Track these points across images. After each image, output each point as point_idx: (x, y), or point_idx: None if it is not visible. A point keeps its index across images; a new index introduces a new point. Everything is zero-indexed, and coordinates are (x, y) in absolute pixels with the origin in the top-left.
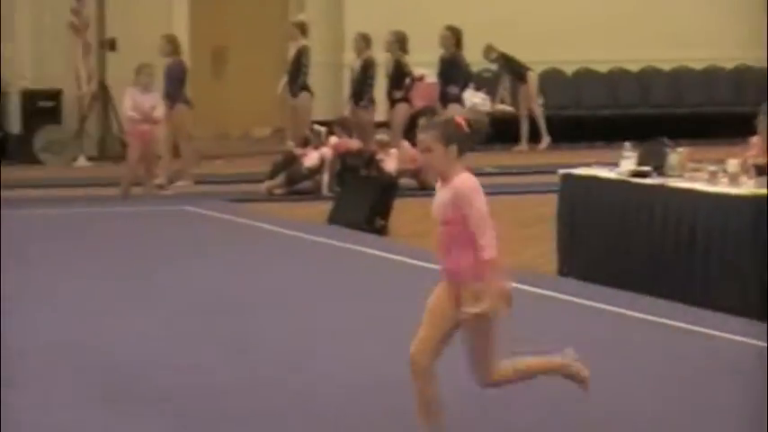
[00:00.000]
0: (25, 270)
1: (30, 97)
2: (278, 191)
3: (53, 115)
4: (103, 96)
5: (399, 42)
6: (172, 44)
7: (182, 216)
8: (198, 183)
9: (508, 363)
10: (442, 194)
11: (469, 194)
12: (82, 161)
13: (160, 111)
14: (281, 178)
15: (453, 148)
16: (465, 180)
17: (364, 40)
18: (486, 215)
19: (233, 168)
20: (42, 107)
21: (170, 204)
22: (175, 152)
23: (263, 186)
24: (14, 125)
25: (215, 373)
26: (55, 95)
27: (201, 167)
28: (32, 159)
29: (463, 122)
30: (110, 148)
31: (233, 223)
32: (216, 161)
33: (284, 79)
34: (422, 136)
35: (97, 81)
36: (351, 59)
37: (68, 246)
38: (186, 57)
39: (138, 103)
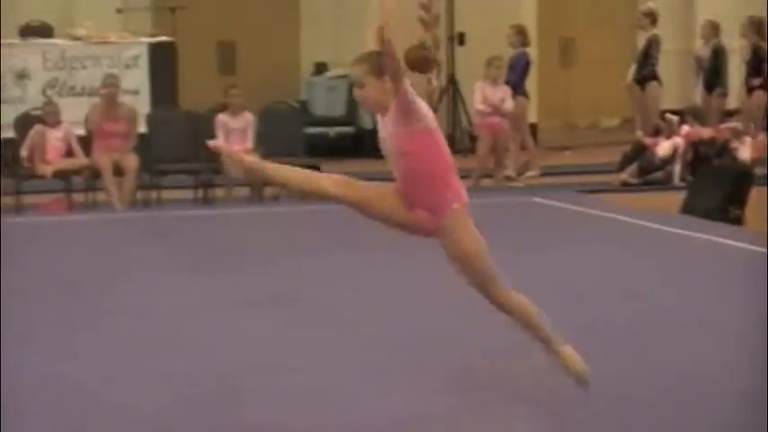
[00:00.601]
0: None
1: None
2: (630, 181)
3: None
4: (453, 90)
5: (756, 27)
6: (521, 35)
7: (531, 207)
8: (546, 174)
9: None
10: (388, 127)
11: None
12: None
13: (509, 103)
14: (632, 168)
15: (388, 79)
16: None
17: (712, 28)
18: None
19: (581, 159)
20: None
21: (519, 196)
22: (522, 143)
23: (620, 177)
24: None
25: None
26: None
27: (550, 158)
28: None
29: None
30: (459, 142)
31: (582, 214)
32: (564, 152)
33: (633, 68)
34: (352, 71)
35: (446, 75)
36: (700, 47)
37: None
38: (534, 47)
39: (487, 95)
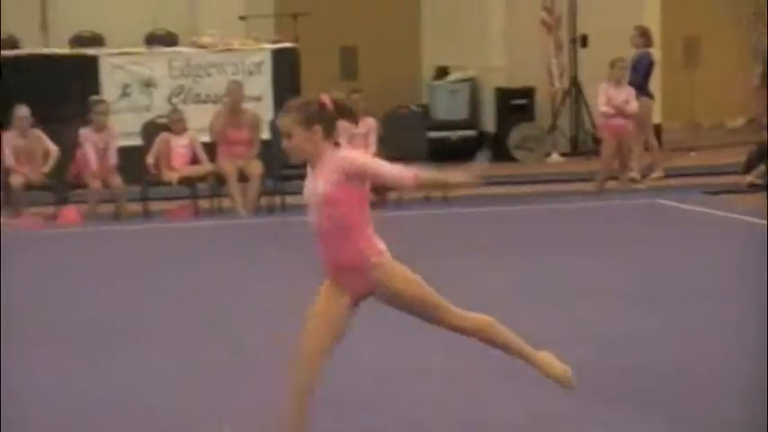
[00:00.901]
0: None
1: (504, 95)
2: (757, 182)
3: (526, 112)
4: (575, 92)
5: None
6: (644, 36)
7: (655, 209)
8: (670, 175)
9: (484, 319)
10: (318, 177)
11: (361, 158)
12: (555, 157)
13: (633, 105)
14: (759, 169)
15: (317, 129)
16: (349, 152)
17: None
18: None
19: (706, 160)
20: (516, 105)
21: (643, 198)
22: (646, 144)
23: (746, 179)
24: (489, 124)
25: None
26: (528, 93)
27: (674, 159)
28: (507, 157)
29: (328, 101)
30: (582, 144)
31: (707, 215)
32: (689, 153)
33: (758, 68)
34: (279, 120)
35: (569, 77)
36: None
37: (548, 240)
38: (657, 48)
39: (611, 97)
